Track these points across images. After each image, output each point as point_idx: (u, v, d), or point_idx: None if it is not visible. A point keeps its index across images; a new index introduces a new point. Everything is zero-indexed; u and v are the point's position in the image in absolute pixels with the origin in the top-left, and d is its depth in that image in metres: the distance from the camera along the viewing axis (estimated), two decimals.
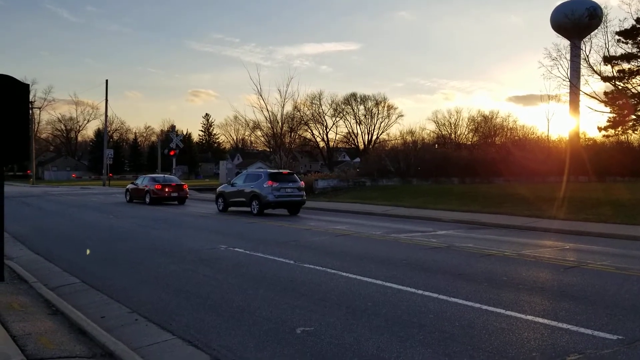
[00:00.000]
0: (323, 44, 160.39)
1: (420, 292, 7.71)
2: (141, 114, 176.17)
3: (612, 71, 37.35)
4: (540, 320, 6.30)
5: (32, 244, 12.98)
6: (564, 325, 6.06)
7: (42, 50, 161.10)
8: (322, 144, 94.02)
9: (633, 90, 37.37)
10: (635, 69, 36.97)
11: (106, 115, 62.44)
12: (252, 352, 5.32)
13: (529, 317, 6.40)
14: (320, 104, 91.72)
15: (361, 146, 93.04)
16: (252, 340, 5.64)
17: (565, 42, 44.71)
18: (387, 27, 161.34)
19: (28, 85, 8.59)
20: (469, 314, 6.54)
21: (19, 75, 8.47)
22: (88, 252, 11.80)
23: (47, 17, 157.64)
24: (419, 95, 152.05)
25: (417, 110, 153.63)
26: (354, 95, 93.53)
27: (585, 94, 39.93)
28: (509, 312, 6.60)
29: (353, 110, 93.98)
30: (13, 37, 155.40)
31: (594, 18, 44.09)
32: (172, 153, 47.89)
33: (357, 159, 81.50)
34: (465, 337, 5.68)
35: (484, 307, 6.87)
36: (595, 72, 36.81)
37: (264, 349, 5.39)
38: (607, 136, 43.43)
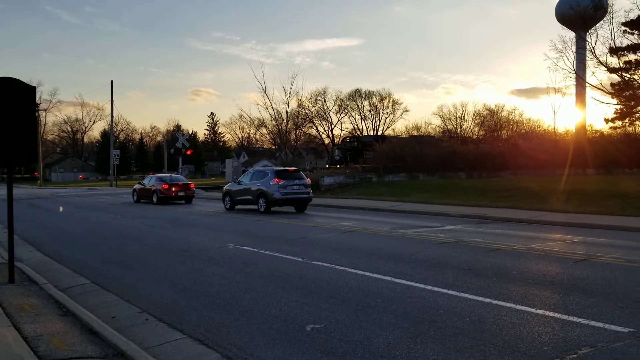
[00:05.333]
0: (324, 40, 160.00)
1: (429, 287, 7.70)
2: (146, 114, 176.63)
3: (619, 62, 37.14)
4: (551, 314, 6.28)
5: (41, 246, 13.06)
6: (575, 319, 6.04)
7: (44, 52, 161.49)
8: (327, 141, 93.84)
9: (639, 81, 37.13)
10: None
11: (112, 116, 62.70)
12: (263, 350, 5.33)
13: (540, 311, 6.38)
14: (325, 101, 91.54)
15: None
16: (262, 338, 5.65)
17: (571, 34, 44.37)
18: (386, 21, 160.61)
19: (34, 87, 8.63)
20: (479, 309, 6.52)
21: (23, 78, 8.49)
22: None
23: (46, 19, 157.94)
24: (421, 90, 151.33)
25: (420, 105, 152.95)
26: (358, 91, 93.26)
27: (591, 85, 39.72)
28: (519, 307, 6.58)
29: (358, 106, 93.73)
30: (14, 39, 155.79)
31: (599, 9, 43.74)
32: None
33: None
34: (476, 332, 5.67)
35: (494, 301, 6.85)
36: (602, 63, 36.61)
37: (274, 346, 5.40)
38: (614, 128, 43.18)
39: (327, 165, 39.28)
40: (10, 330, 5.82)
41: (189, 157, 62.22)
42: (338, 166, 39.59)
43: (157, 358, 5.19)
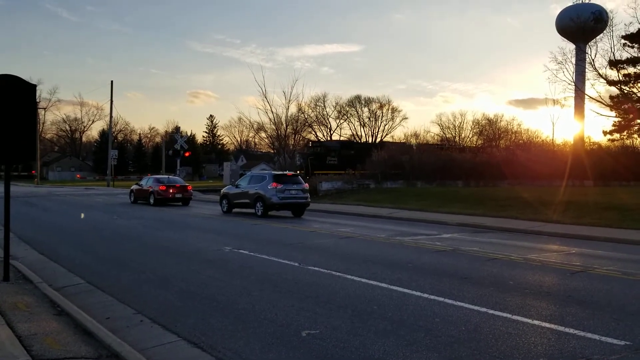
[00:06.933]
0: (324, 45, 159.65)
1: (426, 295, 7.69)
2: (145, 115, 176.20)
3: (618, 75, 37.30)
4: (547, 325, 6.27)
5: (37, 244, 13.01)
6: (571, 331, 6.03)
7: (44, 50, 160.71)
8: None
9: (639, 94, 37.26)
10: None
11: (111, 116, 62.67)
12: (258, 354, 5.30)
13: (536, 322, 6.37)
14: (325, 106, 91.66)
15: None
16: (258, 343, 5.62)
17: (571, 46, 44.59)
18: (387, 28, 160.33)
19: (35, 85, 8.62)
20: (475, 318, 6.51)
21: (23, 76, 8.47)
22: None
23: (47, 17, 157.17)
24: (419, 98, 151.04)
25: (418, 113, 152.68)
26: (358, 97, 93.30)
27: (590, 97, 39.91)
28: (515, 317, 6.57)
29: (357, 112, 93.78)
30: (14, 37, 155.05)
31: (599, 22, 44.01)
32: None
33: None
34: (471, 341, 5.65)
35: (490, 311, 6.84)
36: (601, 76, 36.75)
37: (270, 351, 5.38)
38: (612, 140, 43.30)
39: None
40: (4, 328, 5.78)
41: (187, 159, 62.25)
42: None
43: None
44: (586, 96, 42.01)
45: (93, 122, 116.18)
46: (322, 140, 72.73)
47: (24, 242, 13.41)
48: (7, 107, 7.94)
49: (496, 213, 21.09)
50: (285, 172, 23.97)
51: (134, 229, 17.01)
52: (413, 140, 79.16)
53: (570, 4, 53.27)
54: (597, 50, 51.12)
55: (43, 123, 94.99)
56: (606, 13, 44.45)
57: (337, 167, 42.38)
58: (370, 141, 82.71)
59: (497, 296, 7.70)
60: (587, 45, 38.83)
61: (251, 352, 5.36)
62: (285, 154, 46.94)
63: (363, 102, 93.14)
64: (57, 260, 10.81)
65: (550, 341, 5.70)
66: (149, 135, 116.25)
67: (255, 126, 58.20)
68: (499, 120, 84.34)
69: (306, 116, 73.26)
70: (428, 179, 38.02)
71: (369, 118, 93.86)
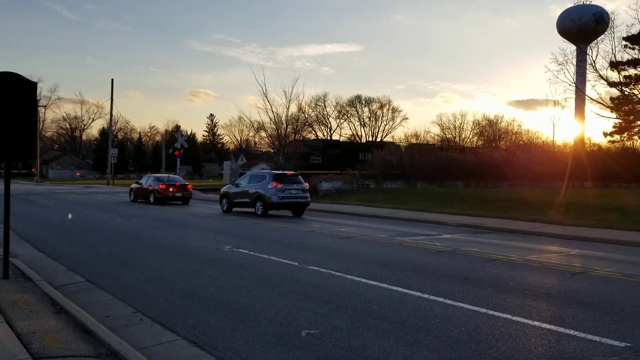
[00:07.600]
0: (324, 45, 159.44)
1: (426, 296, 7.67)
2: (145, 113, 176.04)
3: (619, 77, 37.22)
4: (548, 326, 6.26)
5: (36, 242, 13.00)
6: (571, 332, 6.02)
7: (44, 48, 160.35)
8: None
9: (639, 95, 37.23)
10: None
11: (111, 115, 62.68)
12: (257, 354, 5.29)
13: (536, 323, 6.36)
14: (325, 106, 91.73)
15: None
16: (257, 342, 5.61)
17: (572, 47, 44.47)
18: (387, 29, 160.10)
19: (36, 83, 8.60)
20: (475, 319, 6.50)
21: (23, 74, 8.45)
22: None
23: (47, 16, 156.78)
24: (419, 99, 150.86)
25: (418, 113, 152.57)
26: (358, 97, 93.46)
27: (591, 99, 39.87)
28: (515, 318, 6.56)
29: (357, 112, 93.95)
30: (14, 34, 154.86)
31: (600, 23, 43.94)
32: (176, 153, 48.08)
33: None
34: (471, 342, 5.64)
35: (491, 312, 6.83)
36: (602, 77, 36.67)
37: (269, 351, 5.37)
38: (613, 142, 43.26)
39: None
40: (3, 326, 5.77)
41: (187, 158, 62.28)
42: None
43: (151, 359, 5.15)
44: (587, 97, 41.98)
45: (93, 120, 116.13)
46: (306, 138, 72.09)
47: (24, 240, 13.40)
48: (7, 105, 7.92)
49: (496, 214, 21.08)
50: (285, 172, 23.95)
51: (134, 227, 17.00)
52: (414, 140, 79.26)
53: (571, 5, 53.31)
54: (598, 52, 51.15)
55: (43, 121, 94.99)
56: (607, 14, 44.41)
57: (321, 167, 41.46)
58: (361, 141, 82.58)
59: (497, 297, 7.69)
60: (588, 47, 38.75)
61: (251, 352, 5.35)
62: (284, 154, 46.83)
63: (363, 102, 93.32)
64: (56, 258, 10.80)
65: (550, 342, 5.69)
66: (149, 134, 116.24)
67: (255, 125, 58.16)
68: (499, 121, 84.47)
69: (307, 116, 73.22)
70: (428, 179, 37.99)
71: (369, 118, 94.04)
